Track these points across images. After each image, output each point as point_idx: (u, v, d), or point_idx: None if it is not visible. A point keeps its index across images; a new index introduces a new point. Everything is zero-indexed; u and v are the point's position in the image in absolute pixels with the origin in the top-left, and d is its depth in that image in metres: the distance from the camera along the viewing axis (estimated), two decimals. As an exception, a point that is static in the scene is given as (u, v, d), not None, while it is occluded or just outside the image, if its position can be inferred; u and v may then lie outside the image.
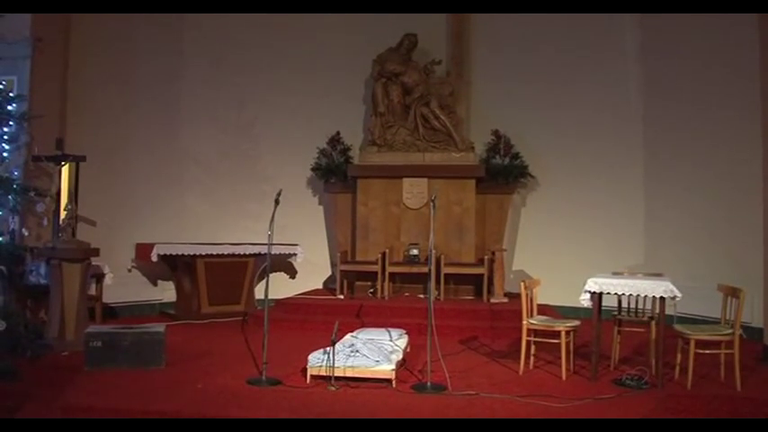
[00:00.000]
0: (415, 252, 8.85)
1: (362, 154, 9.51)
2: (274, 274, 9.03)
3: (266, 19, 9.35)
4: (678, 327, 5.48)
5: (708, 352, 5.24)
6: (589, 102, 9.10)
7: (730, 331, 5.23)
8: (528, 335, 5.75)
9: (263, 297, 5.87)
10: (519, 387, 5.22)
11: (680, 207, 8.30)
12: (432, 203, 5.55)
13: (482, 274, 8.52)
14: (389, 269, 8.63)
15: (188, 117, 9.53)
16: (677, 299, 5.30)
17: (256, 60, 9.72)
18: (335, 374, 5.20)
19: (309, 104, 9.70)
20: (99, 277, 7.84)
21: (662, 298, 5.31)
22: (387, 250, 8.71)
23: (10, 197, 6.73)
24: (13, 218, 7.08)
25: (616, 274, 5.86)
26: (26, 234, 7.31)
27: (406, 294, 8.92)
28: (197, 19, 9.26)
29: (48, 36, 7.71)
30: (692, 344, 5.18)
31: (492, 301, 8.39)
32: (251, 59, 9.70)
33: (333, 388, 5.11)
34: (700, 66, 7.99)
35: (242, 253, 8.82)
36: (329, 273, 9.84)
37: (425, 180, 9.13)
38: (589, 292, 5.50)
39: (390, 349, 5.53)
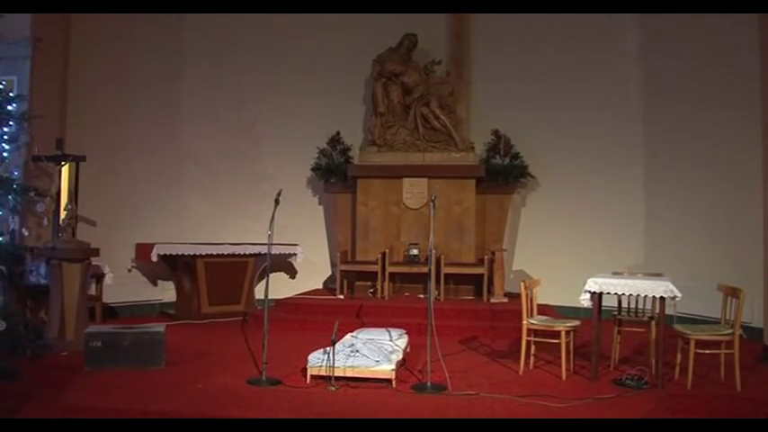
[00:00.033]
0: (415, 252, 8.85)
1: (362, 154, 9.51)
2: (274, 274, 9.03)
3: (266, 19, 9.35)
4: (678, 327, 5.49)
5: (708, 352, 5.24)
6: (589, 102, 9.11)
7: (730, 331, 5.22)
8: (528, 335, 5.75)
9: (263, 297, 5.87)
10: (519, 387, 5.22)
11: (680, 207, 8.31)
12: (432, 203, 5.55)
13: (482, 274, 8.52)
14: (389, 269, 8.63)
15: (188, 117, 9.53)
16: (677, 299, 5.30)
17: (256, 60, 9.72)
18: (335, 374, 5.20)
19: (309, 104, 9.70)
20: (99, 277, 7.84)
21: (662, 298, 5.31)
22: (387, 250, 8.71)
23: (10, 197, 6.73)
24: (13, 218, 7.08)
25: (616, 274, 5.86)
26: (26, 234, 7.31)
27: (406, 294, 8.92)
28: (197, 19, 9.26)
29: (48, 36, 7.71)
30: (692, 344, 5.18)
31: (492, 301, 8.39)
32: (251, 59, 9.70)
33: (333, 388, 5.11)
34: (700, 66, 7.99)
35: (242, 253, 8.81)
36: (329, 273, 9.84)
37: (425, 180, 9.14)
38: (589, 292, 5.50)
39: (390, 349, 5.53)
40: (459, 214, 9.09)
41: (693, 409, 4.72)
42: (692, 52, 8.08)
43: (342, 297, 8.74)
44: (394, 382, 5.20)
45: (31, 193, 7.16)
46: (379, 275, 8.63)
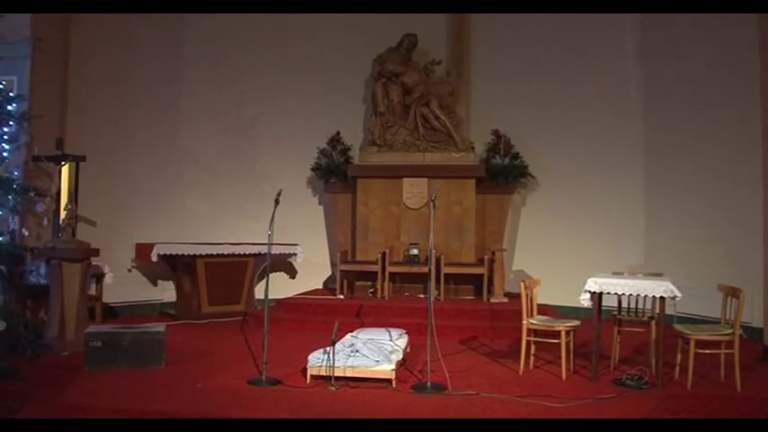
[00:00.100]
0: (415, 252, 8.85)
1: (362, 154, 9.51)
2: (274, 274, 9.03)
3: (266, 19, 9.35)
4: (678, 327, 5.48)
5: (708, 352, 5.24)
6: (589, 102, 9.11)
7: (730, 331, 5.22)
8: (528, 335, 5.75)
9: (263, 297, 5.87)
10: (519, 387, 5.21)
11: (680, 207, 8.31)
12: (432, 203, 5.55)
13: (482, 274, 8.52)
14: (389, 269, 8.63)
15: (188, 117, 9.53)
16: (677, 299, 5.30)
17: (256, 60, 9.72)
18: (335, 374, 5.19)
19: (309, 104, 9.70)
20: (99, 277, 7.84)
21: (662, 298, 5.31)
22: (387, 250, 8.71)
23: (10, 197, 6.74)
24: (13, 218, 7.09)
25: (616, 274, 5.86)
26: (26, 234, 7.32)
27: (406, 294, 8.92)
28: (197, 19, 9.26)
29: (48, 36, 7.71)
30: (692, 344, 5.17)
31: (492, 301, 8.39)
32: (251, 59, 9.71)
33: (333, 388, 5.11)
34: (700, 66, 7.99)
35: (242, 253, 8.82)
36: (329, 273, 9.84)
37: (425, 180, 9.13)
38: (589, 291, 5.50)
39: (390, 349, 5.53)
40: (460, 214, 9.09)
41: (693, 409, 4.72)
42: (692, 52, 8.09)
43: (342, 297, 8.74)
44: (394, 382, 5.20)
45: (31, 193, 7.17)
46: (379, 275, 8.63)
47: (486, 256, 8.53)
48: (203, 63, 9.56)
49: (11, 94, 7.06)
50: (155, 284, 9.26)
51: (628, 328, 5.98)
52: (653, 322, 5.73)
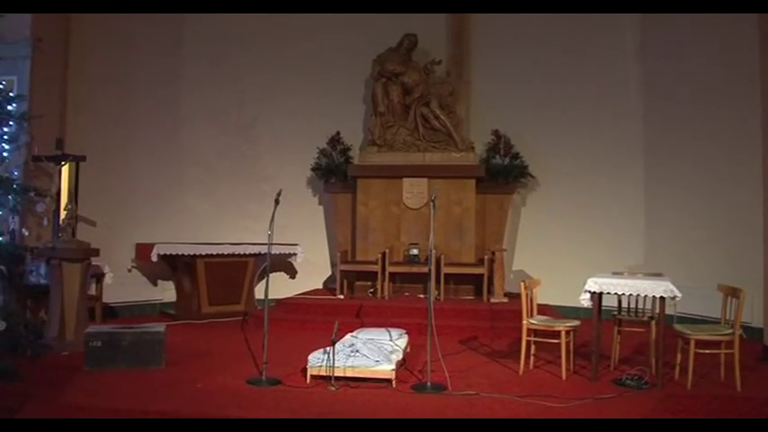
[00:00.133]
0: (415, 252, 8.85)
1: (362, 154, 9.51)
2: (274, 274, 9.03)
3: (266, 19, 9.35)
4: (678, 327, 5.48)
5: (708, 352, 5.24)
6: (589, 102, 9.11)
7: (730, 331, 5.22)
8: (528, 335, 5.75)
9: (263, 297, 5.87)
10: (519, 387, 5.21)
11: (680, 207, 8.31)
12: (432, 203, 5.55)
13: (482, 274, 8.52)
14: (389, 269, 8.63)
15: (188, 117, 9.53)
16: (677, 299, 5.30)
17: (256, 60, 9.72)
18: (335, 374, 5.19)
19: (309, 104, 9.71)
20: (99, 277, 7.84)
21: (662, 298, 5.31)
22: (387, 250, 8.71)
23: (10, 197, 6.74)
24: (13, 218, 7.09)
25: (616, 274, 5.86)
26: (26, 234, 7.31)
27: (406, 294, 8.92)
28: (197, 19, 9.26)
29: (48, 36, 7.70)
30: (692, 344, 5.17)
31: (492, 301, 8.39)
32: (251, 59, 9.71)
33: (333, 388, 5.11)
34: (700, 66, 7.99)
35: (242, 253, 8.81)
36: (329, 273, 9.84)
37: (425, 180, 9.14)
38: (589, 291, 5.50)
39: (390, 349, 5.53)
40: (460, 214, 9.09)
41: (693, 409, 4.72)
42: (692, 52, 8.09)
43: (342, 297, 8.74)
44: (394, 382, 5.20)
45: (31, 193, 7.16)
46: (379, 275, 8.63)
47: (486, 256, 8.53)
48: (203, 63, 9.56)
49: (11, 94, 7.06)
50: (155, 284, 9.26)
51: (628, 328, 5.98)
52: (653, 322, 5.73)
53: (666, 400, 4.90)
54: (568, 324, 5.67)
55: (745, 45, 7.15)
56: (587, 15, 8.68)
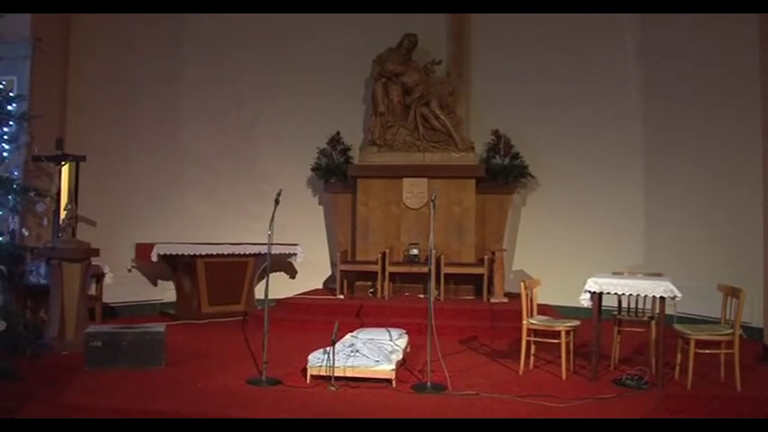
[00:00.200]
0: (415, 252, 8.85)
1: (362, 154, 9.51)
2: (274, 274, 9.03)
3: (266, 19, 9.35)
4: (678, 327, 5.48)
5: (708, 352, 5.24)
6: (589, 102, 9.11)
7: (730, 331, 5.22)
8: (528, 335, 5.75)
9: (263, 297, 5.87)
10: (519, 387, 5.21)
11: (680, 207, 8.31)
12: (432, 203, 5.55)
13: (482, 274, 8.52)
14: (389, 269, 8.63)
15: (188, 117, 9.54)
16: (677, 299, 5.30)
17: (256, 60, 9.72)
18: (335, 374, 5.19)
19: (309, 104, 9.71)
20: (99, 277, 7.84)
21: (662, 298, 5.31)
22: (387, 250, 8.71)
23: (10, 197, 6.74)
24: (13, 218, 7.09)
25: (616, 274, 5.86)
26: (26, 234, 7.32)
27: (406, 294, 8.92)
28: (197, 19, 9.26)
29: (48, 36, 7.71)
30: (692, 344, 5.17)
31: (492, 301, 8.39)
32: (251, 59, 9.71)
33: (333, 388, 5.11)
34: (700, 66, 7.99)
35: (242, 253, 8.82)
36: (329, 273, 9.84)
37: (425, 180, 9.14)
38: (589, 291, 5.50)
39: (390, 349, 5.53)
40: (460, 214, 9.09)
41: (693, 409, 4.72)
42: (692, 52, 8.09)
43: (342, 297, 8.74)
44: (394, 382, 5.20)
45: (31, 193, 7.16)
46: (379, 275, 8.63)
47: (486, 256, 8.53)
48: (203, 63, 9.56)
49: (11, 94, 7.05)
50: (155, 284, 9.26)
51: (628, 328, 5.98)
52: (653, 322, 5.73)
53: (666, 400, 4.90)
54: (568, 324, 5.68)
55: (745, 45, 7.15)
56: (587, 15, 8.68)
